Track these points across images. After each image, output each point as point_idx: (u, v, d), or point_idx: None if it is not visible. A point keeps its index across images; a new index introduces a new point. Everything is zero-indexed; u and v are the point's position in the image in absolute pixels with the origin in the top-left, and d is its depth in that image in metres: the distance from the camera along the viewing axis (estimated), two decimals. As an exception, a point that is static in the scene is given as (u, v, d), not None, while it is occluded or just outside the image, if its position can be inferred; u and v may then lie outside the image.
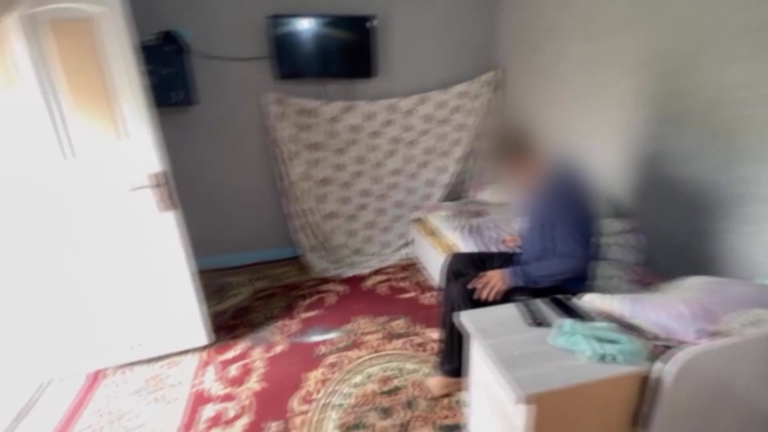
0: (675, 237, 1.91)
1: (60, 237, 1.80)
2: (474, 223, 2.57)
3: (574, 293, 1.52)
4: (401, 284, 2.79)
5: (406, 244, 3.22)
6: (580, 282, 1.59)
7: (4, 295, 1.83)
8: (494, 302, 1.55)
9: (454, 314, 1.42)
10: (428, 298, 2.59)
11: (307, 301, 2.61)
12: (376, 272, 2.97)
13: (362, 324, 2.34)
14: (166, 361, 2.10)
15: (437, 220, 2.76)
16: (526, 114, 2.96)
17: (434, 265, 2.72)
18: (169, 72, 2.48)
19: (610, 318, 1.37)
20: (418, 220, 3.03)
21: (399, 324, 2.32)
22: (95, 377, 2.00)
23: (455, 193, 3.34)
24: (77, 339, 1.96)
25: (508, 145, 1.54)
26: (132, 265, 1.93)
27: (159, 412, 1.77)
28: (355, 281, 2.85)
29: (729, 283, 1.40)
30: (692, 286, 1.43)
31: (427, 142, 3.16)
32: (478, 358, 1.30)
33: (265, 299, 2.67)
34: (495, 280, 1.58)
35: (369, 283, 2.83)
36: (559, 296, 1.47)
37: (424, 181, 3.24)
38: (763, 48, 1.47)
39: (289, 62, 2.75)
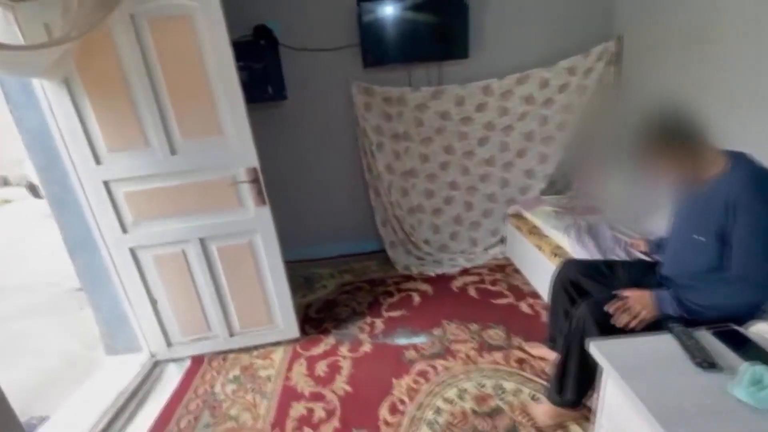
0: None
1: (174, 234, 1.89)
2: (586, 222, 2.20)
3: (738, 320, 1.15)
4: (494, 287, 2.53)
5: (501, 241, 2.93)
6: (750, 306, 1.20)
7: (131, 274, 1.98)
8: (631, 330, 1.25)
9: (586, 341, 1.15)
10: (526, 306, 2.30)
11: (393, 299, 2.49)
12: (464, 272, 2.74)
13: (452, 330, 2.14)
14: (261, 351, 2.13)
15: (540, 217, 2.43)
16: (649, 94, 2.44)
17: (534, 269, 2.41)
18: (260, 67, 2.49)
19: None
20: (516, 216, 2.71)
21: (494, 334, 2.08)
22: (198, 362, 2.11)
23: (559, 186, 2.94)
24: (186, 322, 2.07)
25: (669, 133, 1.17)
26: (232, 257, 1.96)
27: (253, 403, 1.78)
28: (442, 281, 2.66)
29: None
30: None
31: (526, 127, 2.80)
32: (619, 402, 1.03)
33: (351, 293, 2.61)
34: (640, 305, 1.26)
35: (458, 283, 2.62)
36: (728, 326, 1.12)
37: (522, 171, 2.89)
38: None
39: (376, 48, 2.61)
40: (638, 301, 1.26)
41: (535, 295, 2.38)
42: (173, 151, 1.77)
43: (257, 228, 1.93)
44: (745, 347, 1.03)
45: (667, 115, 1.22)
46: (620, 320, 1.26)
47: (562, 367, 1.44)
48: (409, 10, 2.51)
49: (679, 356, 1.01)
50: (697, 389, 0.90)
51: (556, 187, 2.92)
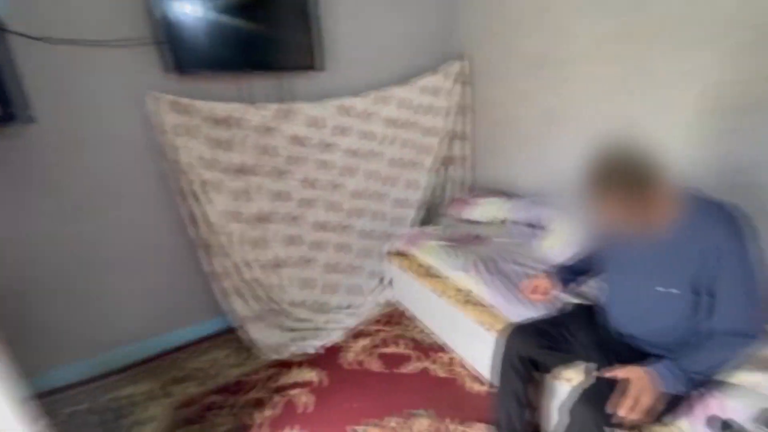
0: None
1: None
2: (483, 255, 1.95)
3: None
4: (395, 349, 2.04)
5: (386, 283, 2.47)
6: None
7: None
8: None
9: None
10: (440, 368, 1.89)
11: (270, 411, 1.70)
12: (355, 335, 2.16)
13: (368, 436, 1.54)
14: None
15: (431, 254, 2.08)
16: (505, 113, 2.45)
17: (433, 315, 2.06)
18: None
19: None
20: (401, 255, 2.30)
21: (422, 426, 1.57)
22: None
23: (432, 213, 2.70)
24: None
25: (624, 176, 0.94)
26: None
27: None
28: (330, 357, 2.01)
29: None
30: None
31: (392, 152, 2.45)
32: None
33: (199, 422, 1.67)
34: (644, 396, 0.96)
35: (350, 356, 2.01)
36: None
37: (393, 201, 2.53)
38: None
39: (190, 48, 1.80)
40: (639, 384, 0.98)
41: (440, 348, 2.01)
42: None
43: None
44: None
45: (620, 156, 0.97)
46: (630, 417, 0.95)
47: None
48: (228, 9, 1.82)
49: None
50: None
51: (429, 215, 2.68)
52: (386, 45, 2.42)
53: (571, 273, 1.38)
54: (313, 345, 2.07)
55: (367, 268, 2.47)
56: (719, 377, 1.05)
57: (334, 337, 2.13)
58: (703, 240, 0.97)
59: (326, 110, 2.19)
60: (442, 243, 2.13)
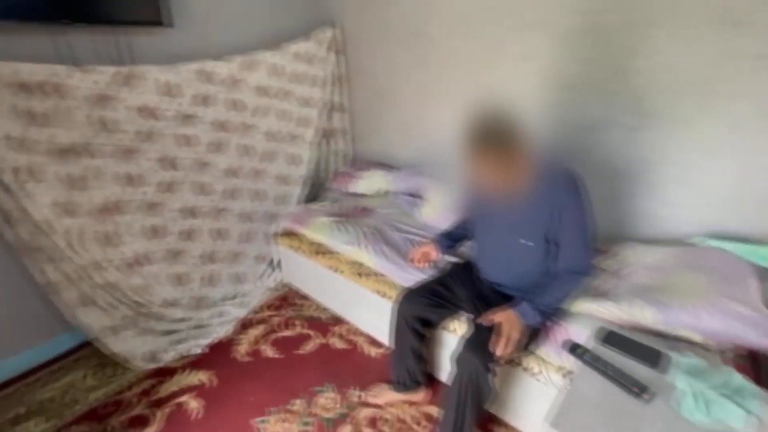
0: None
1: None
2: (371, 227, 2.00)
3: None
4: (291, 331, 1.98)
5: (274, 266, 2.34)
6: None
7: None
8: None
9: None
10: (338, 339, 1.91)
11: (155, 428, 1.49)
12: (244, 326, 2.02)
13: (273, 429, 1.48)
14: None
15: (321, 232, 2.04)
16: (380, 85, 2.47)
17: (329, 292, 2.06)
18: None
19: (635, 330, 1.17)
20: (289, 235, 2.20)
21: (326, 401, 1.59)
22: None
23: (317, 189, 2.62)
24: None
25: (495, 137, 1.07)
26: None
27: None
28: (221, 354, 1.84)
29: (695, 254, 1.39)
30: (653, 263, 1.37)
31: (267, 125, 2.27)
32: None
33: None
34: (509, 327, 1.17)
35: (244, 347, 1.88)
36: (609, 329, 1.15)
37: (274, 178, 2.36)
38: (670, 14, 1.43)
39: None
40: (508, 324, 1.17)
41: (338, 320, 2.03)
42: None
43: None
44: (630, 348, 1.07)
45: (493, 118, 1.10)
46: (506, 353, 1.15)
47: (453, 426, 1.20)
48: None
49: (613, 392, 0.93)
50: (657, 428, 0.83)
51: (314, 191, 2.60)
52: (249, 3, 2.16)
53: (450, 239, 1.53)
54: (199, 344, 1.87)
55: (252, 252, 2.30)
56: (564, 308, 1.31)
57: (222, 332, 1.96)
58: (551, 199, 1.16)
59: (182, 75, 1.87)
60: (331, 218, 2.10)
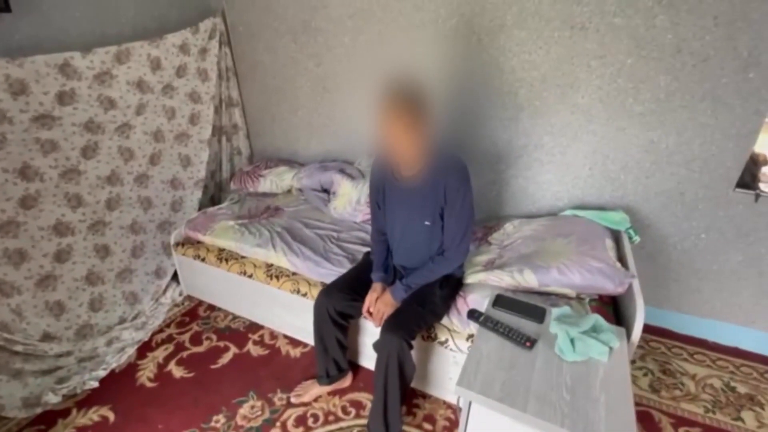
0: (478, 190, 2.07)
1: None
2: (281, 226, 1.96)
3: (450, 279, 1.43)
4: (202, 347, 1.84)
5: (171, 283, 2.14)
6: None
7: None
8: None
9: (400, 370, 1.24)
10: (256, 346, 1.85)
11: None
12: (146, 350, 1.82)
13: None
14: None
15: (226, 236, 1.92)
16: (274, 79, 2.39)
17: (240, 300, 1.97)
18: None
19: (522, 292, 1.36)
20: (191, 244, 2.03)
21: (251, 410, 1.53)
22: None
23: (219, 191, 2.45)
24: None
25: (407, 107, 1.14)
26: None
27: None
28: (119, 384, 1.64)
29: (562, 223, 1.66)
30: (530, 234, 1.61)
31: (152, 124, 2.04)
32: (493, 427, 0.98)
33: None
34: (387, 309, 1.37)
35: (147, 372, 1.70)
36: (500, 294, 1.30)
37: (167, 182, 2.15)
38: (532, 17, 1.64)
39: None
40: (383, 304, 1.37)
41: (254, 327, 1.95)
42: None
43: None
44: (518, 308, 1.23)
45: (406, 90, 1.18)
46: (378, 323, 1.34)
47: (383, 405, 1.27)
48: None
49: (507, 347, 1.08)
50: (543, 370, 1.00)
51: (215, 194, 2.43)
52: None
53: (385, 266, 1.51)
54: (92, 378, 1.64)
55: (146, 268, 2.06)
56: (465, 281, 1.46)
57: (118, 360, 1.74)
58: (443, 180, 1.24)
59: (36, 69, 1.58)
60: (237, 221, 2.00)
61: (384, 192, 1.41)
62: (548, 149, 1.84)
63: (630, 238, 1.60)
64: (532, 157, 1.88)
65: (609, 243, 1.49)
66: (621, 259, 1.45)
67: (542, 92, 1.75)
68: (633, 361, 1.68)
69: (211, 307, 2.09)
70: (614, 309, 1.40)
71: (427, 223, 1.33)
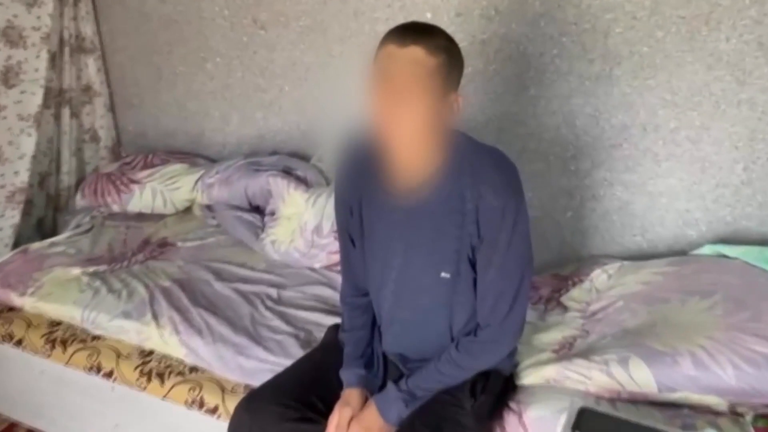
0: (540, 209, 1.37)
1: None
2: (169, 279, 1.27)
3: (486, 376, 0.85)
4: None
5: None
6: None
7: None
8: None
9: None
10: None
11: None
12: None
13: None
14: None
15: (67, 299, 1.20)
16: (150, 10, 1.64)
17: (86, 417, 1.25)
18: None
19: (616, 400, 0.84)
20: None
21: None
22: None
23: (52, 210, 1.67)
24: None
25: (421, 58, 0.67)
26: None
27: None
28: None
29: (698, 271, 1.08)
30: (638, 290, 1.08)
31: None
32: None
33: None
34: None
35: None
36: (583, 407, 0.75)
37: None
38: None
39: None
40: (364, 429, 0.77)
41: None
42: None
43: None
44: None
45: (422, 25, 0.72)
46: None
47: None
48: None
49: None
50: None
51: (46, 215, 1.61)
52: None
53: (368, 364, 0.90)
54: None
55: None
56: (518, 381, 0.90)
57: None
58: (474, 198, 0.73)
59: None
60: (86, 270, 1.28)
61: (362, 216, 0.84)
62: (667, 133, 1.18)
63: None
64: (637, 147, 1.22)
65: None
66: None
67: (653, 30, 1.11)
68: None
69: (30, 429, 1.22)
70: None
71: (445, 275, 0.78)
